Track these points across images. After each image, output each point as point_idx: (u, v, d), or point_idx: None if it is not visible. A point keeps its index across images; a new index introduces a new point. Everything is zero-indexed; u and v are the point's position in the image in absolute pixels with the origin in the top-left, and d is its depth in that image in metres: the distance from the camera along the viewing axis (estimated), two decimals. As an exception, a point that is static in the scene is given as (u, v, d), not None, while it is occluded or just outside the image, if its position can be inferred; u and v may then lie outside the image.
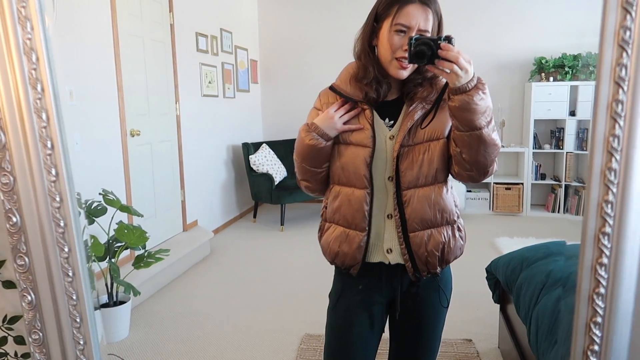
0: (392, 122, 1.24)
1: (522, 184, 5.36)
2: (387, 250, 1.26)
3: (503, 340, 2.43)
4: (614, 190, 0.73)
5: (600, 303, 0.77)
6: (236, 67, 5.35)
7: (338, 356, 1.35)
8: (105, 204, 2.61)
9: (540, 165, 5.46)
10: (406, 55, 1.12)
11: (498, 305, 2.51)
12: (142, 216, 2.86)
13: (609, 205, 0.75)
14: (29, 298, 0.84)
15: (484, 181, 5.51)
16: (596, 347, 0.76)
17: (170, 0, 3.96)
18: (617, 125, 0.72)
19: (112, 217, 2.66)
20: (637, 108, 0.74)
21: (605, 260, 0.77)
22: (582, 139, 5.20)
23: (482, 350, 2.52)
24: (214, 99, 4.83)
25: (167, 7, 3.94)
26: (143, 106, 3.60)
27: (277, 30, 5.96)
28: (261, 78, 6.08)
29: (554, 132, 5.36)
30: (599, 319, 0.77)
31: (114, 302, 2.69)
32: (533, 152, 5.35)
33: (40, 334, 0.86)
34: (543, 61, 5.23)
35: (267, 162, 5.11)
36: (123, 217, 3.00)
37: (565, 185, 5.24)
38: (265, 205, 5.78)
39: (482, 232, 4.64)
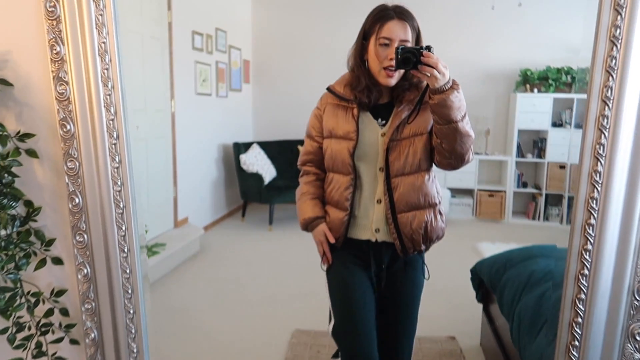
0: (384, 121, 1.47)
1: (505, 191, 5.53)
2: (376, 230, 1.48)
3: (485, 337, 2.55)
4: (600, 184, 0.86)
5: (584, 282, 0.90)
6: (229, 66, 5.41)
7: (344, 309, 1.49)
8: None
9: (522, 174, 5.64)
10: (392, 64, 1.35)
11: (481, 305, 2.63)
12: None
13: (594, 202, 0.88)
14: (85, 271, 0.93)
15: (468, 188, 5.67)
16: (580, 319, 0.89)
17: (169, -2, 4.03)
18: (607, 108, 0.89)
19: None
20: (624, 93, 0.91)
21: (589, 246, 0.90)
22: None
23: (465, 347, 2.64)
24: (207, 97, 4.89)
25: (166, 5, 4.00)
26: (140, 102, 3.66)
27: (269, 31, 6.04)
28: (253, 78, 6.15)
29: (536, 142, 5.55)
30: (582, 296, 0.90)
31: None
32: (516, 161, 5.53)
33: (93, 304, 0.95)
34: (528, 73, 5.41)
35: (257, 162, 5.18)
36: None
37: (546, 194, 5.42)
38: (253, 205, 5.83)
39: (465, 237, 4.78)
